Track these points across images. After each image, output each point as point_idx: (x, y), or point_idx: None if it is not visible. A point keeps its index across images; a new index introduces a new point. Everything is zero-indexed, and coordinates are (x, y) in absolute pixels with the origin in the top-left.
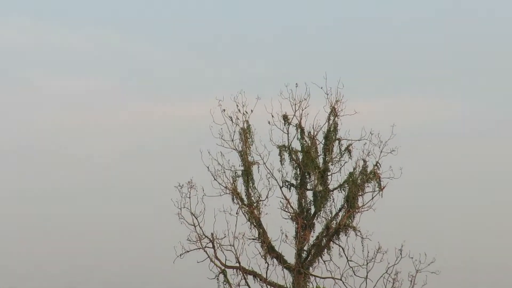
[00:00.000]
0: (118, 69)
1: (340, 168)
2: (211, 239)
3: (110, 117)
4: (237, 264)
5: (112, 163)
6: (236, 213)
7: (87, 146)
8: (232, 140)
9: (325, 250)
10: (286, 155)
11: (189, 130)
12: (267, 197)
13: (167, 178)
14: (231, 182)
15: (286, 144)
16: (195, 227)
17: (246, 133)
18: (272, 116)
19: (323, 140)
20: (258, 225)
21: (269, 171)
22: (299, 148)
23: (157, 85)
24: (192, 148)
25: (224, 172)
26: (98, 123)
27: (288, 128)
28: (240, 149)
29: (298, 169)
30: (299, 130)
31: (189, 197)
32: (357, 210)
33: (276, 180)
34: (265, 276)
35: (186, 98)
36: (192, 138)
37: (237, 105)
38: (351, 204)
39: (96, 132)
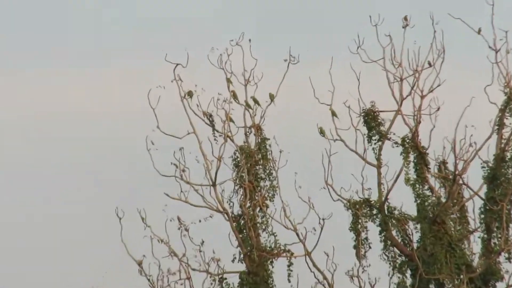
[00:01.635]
0: None
1: None
2: None
3: None
4: None
5: None
6: None
7: None
8: (213, 185)
9: None
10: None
11: (89, 152)
12: None
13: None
14: None
15: (373, 198)
16: None
17: (252, 162)
18: (334, 115)
19: (485, 185)
20: None
21: (315, 270)
22: (413, 206)
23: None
24: (96, 204)
25: (189, 278)
26: None
27: (382, 146)
28: (238, 210)
29: (412, 276)
30: (414, 155)
31: None
32: None
33: None
34: None
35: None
36: (98, 172)
37: (228, 82)
38: None
39: None
